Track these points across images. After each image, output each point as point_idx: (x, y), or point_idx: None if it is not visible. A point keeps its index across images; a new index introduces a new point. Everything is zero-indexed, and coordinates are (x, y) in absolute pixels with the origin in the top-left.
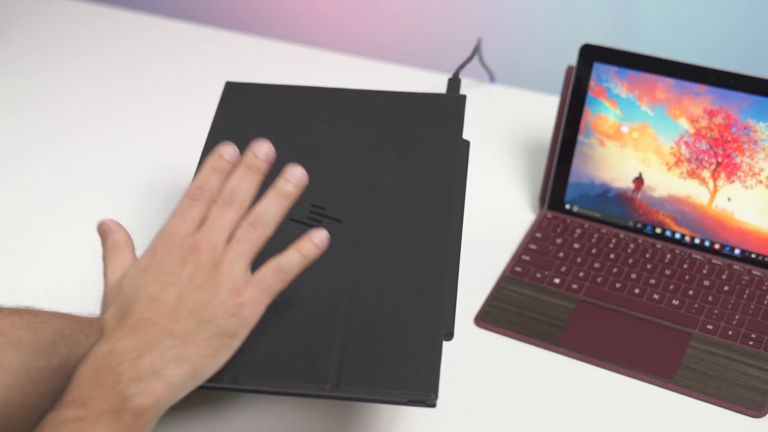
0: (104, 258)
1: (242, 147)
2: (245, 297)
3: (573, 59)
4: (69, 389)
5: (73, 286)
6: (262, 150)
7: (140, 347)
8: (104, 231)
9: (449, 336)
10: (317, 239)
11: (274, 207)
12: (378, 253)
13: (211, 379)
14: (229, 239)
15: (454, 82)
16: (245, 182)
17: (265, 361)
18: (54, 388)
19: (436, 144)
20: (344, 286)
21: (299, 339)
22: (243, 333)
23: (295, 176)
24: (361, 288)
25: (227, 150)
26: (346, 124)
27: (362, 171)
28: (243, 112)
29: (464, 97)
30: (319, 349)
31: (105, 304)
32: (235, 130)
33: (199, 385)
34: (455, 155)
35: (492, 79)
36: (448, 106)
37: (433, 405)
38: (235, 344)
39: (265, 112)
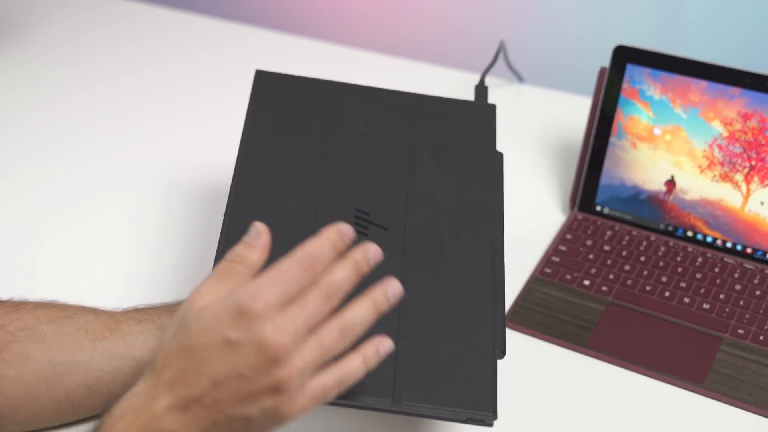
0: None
1: (278, 140)
2: (297, 406)
3: (605, 60)
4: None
5: (100, 281)
6: (373, 256)
7: (183, 425)
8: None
9: (502, 354)
10: (383, 350)
11: (364, 319)
12: (426, 265)
13: None
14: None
15: (480, 89)
16: (347, 275)
17: None
18: (78, 382)
19: (471, 154)
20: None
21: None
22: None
23: (394, 287)
24: (412, 301)
25: (347, 229)
26: (381, 125)
27: (401, 176)
28: (277, 104)
29: (494, 107)
30: None
31: (172, 327)
32: (272, 124)
33: None
34: (492, 168)
35: (521, 79)
36: (480, 116)
37: (490, 425)
38: None
39: (300, 106)
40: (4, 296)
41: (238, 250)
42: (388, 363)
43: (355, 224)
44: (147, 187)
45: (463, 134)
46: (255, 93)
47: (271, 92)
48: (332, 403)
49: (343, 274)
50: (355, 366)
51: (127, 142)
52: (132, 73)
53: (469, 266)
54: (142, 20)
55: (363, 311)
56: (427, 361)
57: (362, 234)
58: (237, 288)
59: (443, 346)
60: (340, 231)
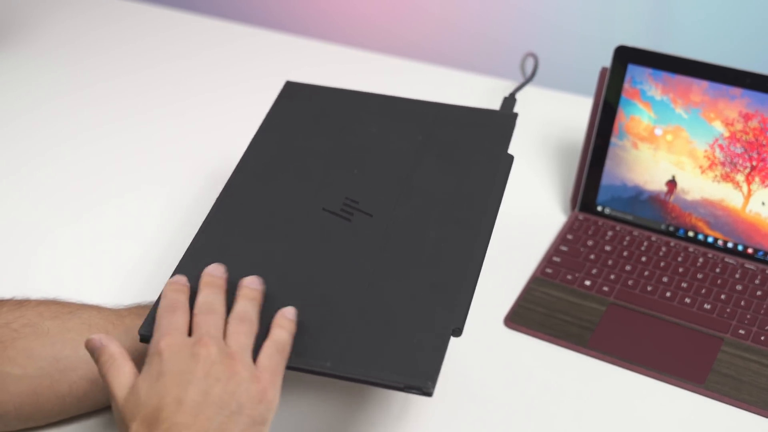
0: (105, 375)
1: (289, 139)
2: (264, 381)
3: (607, 61)
4: None
5: (101, 279)
6: (217, 270)
7: None
8: (94, 348)
9: (458, 332)
10: (290, 315)
11: (249, 307)
12: (403, 250)
13: None
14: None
15: (509, 102)
16: (212, 296)
17: None
18: (82, 376)
19: (479, 155)
20: (365, 277)
21: (311, 318)
22: (270, 417)
23: (253, 282)
24: (381, 279)
25: (181, 278)
26: (394, 129)
27: (401, 173)
28: (295, 110)
29: (516, 114)
30: (327, 329)
31: (124, 419)
32: (286, 126)
33: None
34: (497, 167)
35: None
36: (499, 122)
37: (429, 394)
38: (265, 430)
39: (318, 112)
40: (6, 294)
41: (98, 366)
42: (338, 331)
43: (341, 211)
44: (147, 185)
45: (476, 138)
46: (278, 100)
47: (294, 100)
48: None
49: (203, 296)
50: (277, 334)
51: (128, 141)
52: (133, 73)
53: (448, 253)
54: (142, 20)
55: (240, 304)
56: (379, 331)
57: (346, 220)
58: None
59: (399, 318)
60: (176, 281)
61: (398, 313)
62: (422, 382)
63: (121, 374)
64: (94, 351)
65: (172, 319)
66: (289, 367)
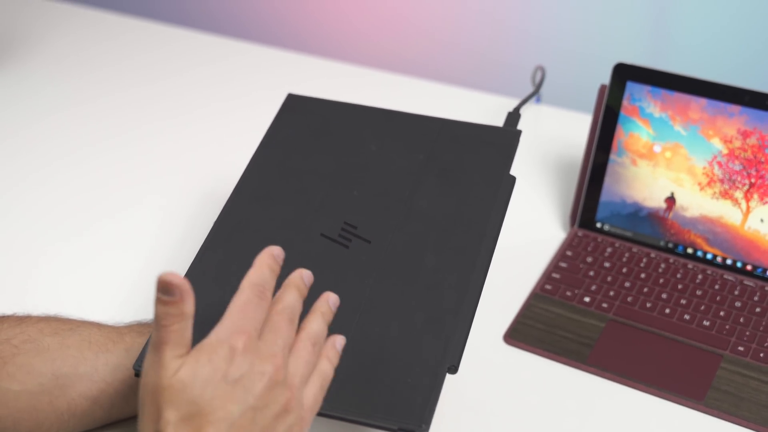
0: (163, 327)
1: (289, 157)
2: (305, 422)
3: (606, 78)
4: None
5: (102, 294)
6: (309, 278)
7: None
8: (170, 291)
9: (453, 369)
10: (339, 346)
11: (324, 328)
12: (399, 279)
13: None
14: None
15: (513, 117)
16: (297, 302)
17: None
18: (81, 393)
19: (480, 176)
20: (360, 307)
21: None
22: None
23: (335, 303)
24: (376, 311)
25: (278, 251)
26: (396, 146)
27: (401, 195)
28: (297, 124)
29: (519, 132)
30: None
31: (160, 397)
32: (287, 141)
33: None
34: (498, 189)
35: (537, 99)
36: (502, 140)
37: None
38: None
39: (319, 127)
40: (6, 308)
41: (159, 312)
42: (335, 369)
43: (339, 236)
44: (148, 200)
45: (479, 157)
46: (280, 114)
47: (296, 114)
48: None
49: (293, 298)
50: (325, 368)
51: (128, 156)
52: (133, 88)
53: (444, 282)
54: (143, 36)
55: (319, 322)
56: (374, 369)
57: (344, 246)
58: (210, 335)
59: (395, 356)
60: (272, 254)
61: (392, 350)
62: (416, 425)
63: (181, 341)
64: (166, 292)
65: (257, 312)
66: None
